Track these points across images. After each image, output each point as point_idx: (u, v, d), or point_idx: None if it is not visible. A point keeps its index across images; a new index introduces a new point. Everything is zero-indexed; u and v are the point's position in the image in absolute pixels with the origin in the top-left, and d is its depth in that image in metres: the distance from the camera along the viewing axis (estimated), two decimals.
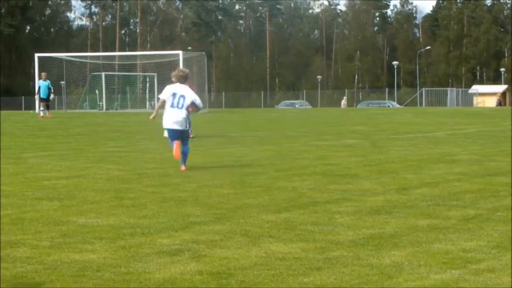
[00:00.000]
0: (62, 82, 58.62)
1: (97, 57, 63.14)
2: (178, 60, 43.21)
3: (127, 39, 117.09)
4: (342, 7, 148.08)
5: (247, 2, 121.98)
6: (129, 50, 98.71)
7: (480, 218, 8.06)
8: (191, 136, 14.21)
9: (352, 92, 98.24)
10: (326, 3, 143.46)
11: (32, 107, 48.43)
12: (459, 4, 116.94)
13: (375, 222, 7.80)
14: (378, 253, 6.36)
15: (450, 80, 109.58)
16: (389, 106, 69.37)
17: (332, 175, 11.98)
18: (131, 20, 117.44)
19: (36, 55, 48.46)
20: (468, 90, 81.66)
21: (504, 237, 7.02)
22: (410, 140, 20.81)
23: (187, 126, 13.02)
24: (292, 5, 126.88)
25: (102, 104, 53.58)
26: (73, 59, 55.87)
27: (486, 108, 57.75)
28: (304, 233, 7.23)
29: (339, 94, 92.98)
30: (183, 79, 13.13)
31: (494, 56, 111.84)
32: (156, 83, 51.49)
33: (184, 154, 12.82)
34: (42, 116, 34.58)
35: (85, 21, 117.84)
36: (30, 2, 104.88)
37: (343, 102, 77.21)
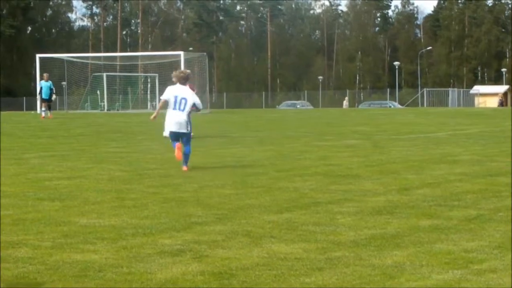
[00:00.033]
0: (64, 83, 58.64)
1: (99, 58, 63.16)
2: (180, 60, 43.22)
3: (128, 40, 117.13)
4: (343, 7, 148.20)
5: (248, 2, 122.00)
6: (131, 51, 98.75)
7: (482, 218, 8.05)
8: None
9: (353, 93, 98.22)
10: (327, 3, 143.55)
11: (34, 107, 48.45)
12: (460, 5, 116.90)
13: (377, 223, 7.80)
14: (380, 253, 6.35)
15: (451, 81, 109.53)
16: (390, 107, 69.36)
17: (333, 176, 11.98)
18: (132, 21, 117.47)
19: (38, 55, 48.48)
20: (469, 91, 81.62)
21: (506, 237, 7.01)
22: (412, 140, 20.80)
23: (189, 128, 13.04)
24: (293, 5, 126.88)
25: (104, 105, 53.61)
26: (74, 59, 55.91)
27: (487, 109, 57.72)
28: (305, 233, 7.23)
29: (340, 95, 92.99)
30: (183, 80, 13.15)
31: (496, 57, 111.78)
32: (158, 84, 51.50)
33: (186, 155, 12.86)
34: (43, 117, 34.60)
35: (86, 22, 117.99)
36: (32, 2, 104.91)
37: (345, 102, 77.18)
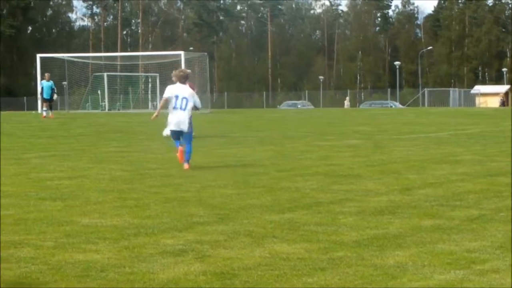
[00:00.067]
0: (64, 83, 58.64)
1: (99, 58, 63.15)
2: (180, 60, 43.21)
3: (128, 40, 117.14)
4: (343, 7, 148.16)
5: (249, 2, 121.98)
6: (131, 51, 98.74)
7: (484, 218, 8.05)
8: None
9: (354, 93, 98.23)
10: (327, 3, 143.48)
11: (34, 107, 48.44)
12: (460, 5, 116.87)
13: (379, 223, 7.80)
14: (382, 253, 6.35)
15: (452, 81, 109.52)
16: (391, 107, 69.36)
17: (335, 176, 11.98)
18: (133, 21, 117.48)
19: (38, 55, 48.48)
20: (470, 91, 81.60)
21: (508, 237, 7.01)
22: (413, 140, 20.80)
23: (190, 127, 13.09)
24: (293, 5, 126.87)
25: (105, 105, 53.60)
26: (75, 59, 55.89)
27: (488, 109, 57.71)
28: (307, 233, 7.23)
29: (341, 95, 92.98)
30: (183, 79, 13.27)
31: (496, 57, 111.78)
32: (158, 84, 51.50)
33: (188, 153, 12.94)
34: (45, 116, 34.63)
35: (86, 22, 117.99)
36: (32, 2, 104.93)
37: (346, 102, 77.13)
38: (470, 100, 76.59)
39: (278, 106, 79.72)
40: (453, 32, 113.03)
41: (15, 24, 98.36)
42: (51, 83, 35.20)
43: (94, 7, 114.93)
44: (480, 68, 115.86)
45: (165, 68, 48.39)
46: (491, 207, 8.81)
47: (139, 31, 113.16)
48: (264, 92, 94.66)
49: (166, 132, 14.59)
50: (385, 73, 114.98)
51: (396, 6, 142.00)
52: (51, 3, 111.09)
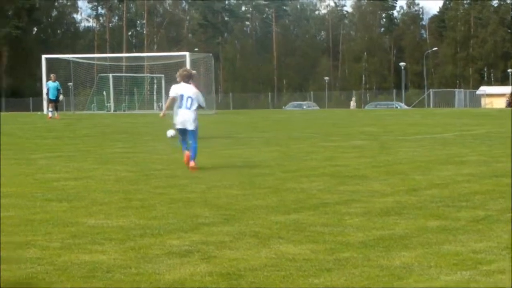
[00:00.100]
0: (70, 84, 58.76)
1: (105, 59, 63.26)
2: (185, 61, 43.24)
3: (133, 41, 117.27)
4: (348, 8, 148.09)
5: (254, 3, 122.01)
6: (136, 52, 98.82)
7: (490, 219, 8.04)
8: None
9: (359, 93, 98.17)
10: (332, 4, 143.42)
11: (40, 108, 48.53)
12: (465, 5, 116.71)
13: (385, 223, 7.79)
14: (388, 254, 6.35)
15: (457, 81, 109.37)
16: (396, 107, 69.31)
17: (340, 176, 11.97)
18: (138, 22, 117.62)
19: (43, 56, 48.57)
20: (475, 91, 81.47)
21: None
22: (418, 141, 20.78)
23: (196, 125, 13.24)
24: (298, 6, 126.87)
25: (110, 106, 53.67)
26: (80, 60, 55.99)
27: (494, 109, 57.61)
28: (313, 234, 7.23)
29: (346, 96, 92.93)
30: (187, 79, 13.44)
31: (502, 57, 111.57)
32: (164, 84, 51.55)
33: (193, 150, 13.08)
34: (50, 117, 34.70)
35: (91, 23, 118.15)
36: (37, 3, 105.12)
37: (352, 103, 77.01)
38: (475, 101, 76.49)
39: (283, 107, 79.74)
40: (458, 33, 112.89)
41: (20, 25, 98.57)
42: (56, 84, 35.28)
43: (99, 8, 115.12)
44: (485, 69, 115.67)
45: (171, 69, 48.42)
46: (497, 208, 8.79)
47: (144, 32, 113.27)
48: (269, 93, 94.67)
49: (170, 133, 14.64)
50: (390, 74, 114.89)
51: (401, 7, 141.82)
52: (56, 4, 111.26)
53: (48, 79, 38.03)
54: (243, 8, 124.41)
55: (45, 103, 40.90)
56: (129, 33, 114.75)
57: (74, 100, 58.22)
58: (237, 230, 7.40)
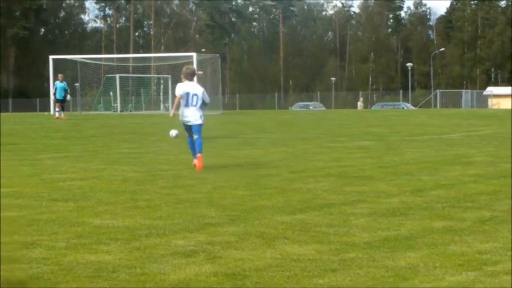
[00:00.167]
0: (77, 84, 58.88)
1: (112, 59, 63.35)
2: (192, 62, 43.28)
3: (141, 41, 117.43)
4: (355, 9, 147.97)
5: (261, 4, 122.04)
6: (143, 52, 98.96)
7: (496, 220, 8.02)
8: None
9: (366, 94, 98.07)
10: (339, 5, 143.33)
11: (47, 108, 48.63)
12: (473, 6, 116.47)
13: (390, 224, 7.78)
14: (393, 255, 6.34)
15: (464, 82, 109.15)
16: (403, 108, 69.21)
17: (347, 177, 11.97)
18: (145, 22, 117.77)
19: (51, 57, 48.67)
20: (483, 92, 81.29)
21: None
22: (425, 142, 20.75)
23: (202, 119, 13.51)
24: (305, 7, 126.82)
25: (117, 106, 53.75)
26: (87, 61, 56.09)
27: (501, 110, 57.46)
28: (319, 234, 7.23)
29: (353, 96, 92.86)
30: (190, 76, 13.73)
31: (509, 58, 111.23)
32: (171, 85, 51.60)
33: (199, 145, 13.25)
34: (57, 117, 34.78)
35: (99, 23, 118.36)
36: (44, 4, 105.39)
37: (359, 103, 76.93)
38: (482, 101, 76.31)
39: (290, 108, 79.74)
40: (466, 33, 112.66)
41: (28, 26, 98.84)
42: (64, 84, 35.39)
43: (106, 8, 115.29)
44: (492, 70, 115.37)
45: (177, 70, 48.47)
46: (503, 208, 8.77)
47: (152, 32, 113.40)
48: (276, 94, 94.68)
49: (173, 133, 14.74)
50: (397, 74, 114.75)
51: (408, 8, 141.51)
52: (63, 4, 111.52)
53: (55, 79, 38.14)
54: (250, 9, 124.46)
55: (52, 103, 41.03)
56: (136, 34, 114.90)
57: (81, 101, 58.34)
58: (243, 231, 7.40)
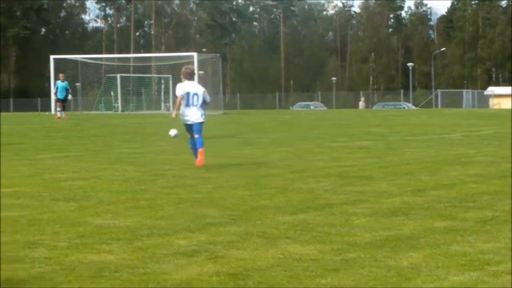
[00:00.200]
0: (78, 84, 58.89)
1: (112, 59, 63.36)
2: (193, 61, 43.27)
3: (141, 41, 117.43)
4: (356, 8, 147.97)
5: (261, 4, 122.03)
6: (144, 52, 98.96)
7: (497, 220, 8.02)
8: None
9: (366, 94, 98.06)
10: (340, 5, 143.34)
11: (48, 108, 48.64)
12: (473, 6, 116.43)
13: (392, 224, 7.78)
14: (395, 254, 6.34)
15: (465, 82, 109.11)
16: (404, 108, 69.21)
17: (347, 177, 11.97)
18: (146, 22, 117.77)
19: (51, 57, 48.66)
20: (484, 92, 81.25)
21: None
22: (425, 141, 20.75)
23: (203, 118, 13.61)
24: (306, 7, 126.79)
25: (118, 106, 53.76)
26: (88, 60, 56.09)
27: (502, 110, 57.43)
28: (320, 234, 7.23)
29: (353, 96, 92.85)
30: (189, 76, 13.82)
31: (510, 58, 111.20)
32: (171, 85, 51.61)
33: (201, 142, 13.37)
34: (58, 117, 34.80)
35: (100, 23, 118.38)
36: (45, 4, 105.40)
37: (361, 103, 76.80)
38: (483, 101, 76.29)
39: (290, 107, 79.73)
40: (466, 33, 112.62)
41: (29, 26, 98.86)
42: (65, 83, 35.40)
43: (107, 8, 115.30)
44: (493, 70, 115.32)
45: (178, 70, 48.40)
46: (505, 208, 8.77)
47: (152, 32, 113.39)
48: (277, 93, 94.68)
49: (173, 132, 14.75)
50: (398, 74, 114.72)
51: (409, 7, 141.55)
52: (64, 4, 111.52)
53: (56, 79, 38.15)
54: (251, 9, 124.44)
55: (53, 103, 41.05)
56: (137, 34, 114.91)
57: (82, 100, 58.36)
58: (244, 230, 7.40)
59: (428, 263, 6.04)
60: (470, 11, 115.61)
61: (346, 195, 9.89)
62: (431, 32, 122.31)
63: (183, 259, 6.18)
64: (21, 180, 11.43)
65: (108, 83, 56.09)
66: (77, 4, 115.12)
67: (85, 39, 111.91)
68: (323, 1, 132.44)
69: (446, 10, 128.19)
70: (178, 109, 13.76)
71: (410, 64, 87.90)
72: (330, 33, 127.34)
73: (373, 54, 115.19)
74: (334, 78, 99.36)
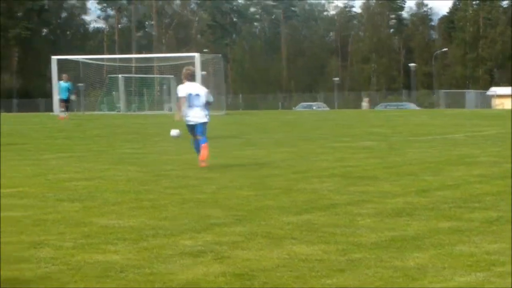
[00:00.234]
0: (80, 84, 58.90)
1: (114, 59, 63.37)
2: (194, 62, 43.26)
3: (142, 42, 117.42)
4: (357, 9, 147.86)
5: (262, 4, 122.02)
6: (145, 53, 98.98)
7: (502, 220, 8.01)
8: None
9: (368, 94, 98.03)
10: (341, 5, 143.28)
11: (50, 109, 48.66)
12: (474, 6, 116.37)
13: (397, 224, 7.78)
14: (401, 255, 6.33)
15: (467, 82, 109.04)
16: (406, 108, 69.19)
17: (351, 177, 11.96)
18: (146, 23, 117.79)
19: (53, 57, 48.65)
20: (486, 92, 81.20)
21: None
22: (428, 142, 20.74)
23: (207, 118, 13.64)
24: (306, 7, 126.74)
25: (120, 106, 53.78)
26: (89, 61, 56.10)
27: (505, 110, 57.40)
28: (325, 235, 7.22)
29: (355, 96, 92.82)
30: (190, 77, 13.87)
31: (510, 58, 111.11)
32: (173, 85, 51.60)
33: (204, 140, 13.45)
34: (61, 117, 34.81)
35: (101, 24, 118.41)
36: (46, 5, 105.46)
37: (364, 104, 76.66)
38: (486, 102, 76.23)
39: (293, 108, 79.74)
40: (468, 33, 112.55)
41: (30, 26, 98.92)
42: (68, 84, 35.40)
43: (108, 9, 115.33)
44: (495, 70, 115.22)
45: (180, 70, 48.38)
46: (509, 208, 8.76)
47: (153, 33, 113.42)
48: (279, 94, 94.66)
49: (174, 132, 14.79)
50: (400, 74, 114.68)
51: (410, 8, 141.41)
52: (64, 5, 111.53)
53: (59, 79, 38.16)
54: (252, 9, 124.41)
55: (54, 103, 41.09)
56: (138, 34, 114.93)
57: (84, 101, 58.39)
58: (249, 231, 7.40)
59: (434, 263, 6.04)
60: (471, 12, 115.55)
61: (350, 196, 9.89)
62: (432, 32, 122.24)
63: (189, 259, 6.18)
64: (25, 181, 11.44)
65: (110, 84, 56.12)
66: (78, 5, 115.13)
67: (87, 40, 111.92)
68: (323, 1, 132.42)
69: (447, 10, 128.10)
70: (181, 111, 13.75)
71: (412, 65, 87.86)
72: (331, 34, 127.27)
73: (374, 54, 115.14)
74: (336, 79, 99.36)
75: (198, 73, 38.29)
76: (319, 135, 24.17)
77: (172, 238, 7.06)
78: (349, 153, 16.95)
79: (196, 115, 13.49)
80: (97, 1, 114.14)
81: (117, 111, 52.18)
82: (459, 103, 73.90)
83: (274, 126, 30.86)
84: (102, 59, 61.34)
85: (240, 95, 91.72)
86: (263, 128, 29.15)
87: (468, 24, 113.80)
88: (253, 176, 12.06)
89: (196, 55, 45.33)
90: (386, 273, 5.72)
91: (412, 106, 73.90)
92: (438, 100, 77.09)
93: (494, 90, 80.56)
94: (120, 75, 55.39)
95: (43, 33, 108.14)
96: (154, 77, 64.81)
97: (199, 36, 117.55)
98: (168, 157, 15.78)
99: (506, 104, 72.86)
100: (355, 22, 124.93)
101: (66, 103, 35.51)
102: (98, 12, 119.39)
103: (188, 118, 13.57)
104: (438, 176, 12.17)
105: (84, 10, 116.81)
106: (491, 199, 9.54)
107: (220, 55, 53.70)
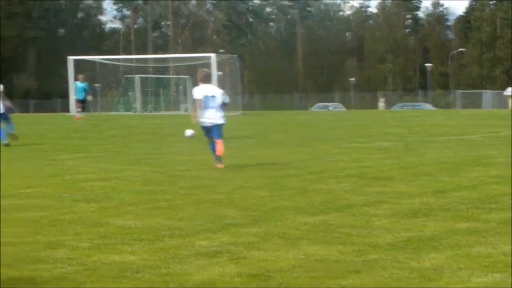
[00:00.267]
0: (97, 85, 59.10)
1: (130, 60, 63.52)
2: (210, 62, 43.26)
3: (158, 42, 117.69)
4: (373, 9, 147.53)
5: (278, 4, 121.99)
6: (161, 53, 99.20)
7: None
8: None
9: (384, 94, 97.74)
10: (356, 5, 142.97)
11: (66, 109, 48.86)
12: (491, 6, 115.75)
13: (413, 225, 7.75)
14: (417, 256, 6.31)
15: (484, 83, 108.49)
16: (422, 109, 68.91)
17: (367, 178, 11.93)
18: (162, 23, 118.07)
19: (70, 58, 48.82)
20: (503, 92, 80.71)
21: None
22: (444, 142, 20.65)
23: (223, 119, 13.67)
24: (322, 7, 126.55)
25: (137, 107, 53.93)
26: (106, 61, 56.26)
27: None
28: (341, 235, 7.21)
29: (371, 96, 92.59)
30: (206, 79, 13.86)
31: None
32: (189, 86, 51.64)
33: (221, 140, 13.43)
34: (78, 118, 34.95)
35: (117, 24, 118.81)
36: (63, 5, 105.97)
37: (381, 104, 76.41)
38: (503, 102, 75.78)
39: (310, 108, 79.64)
40: (484, 33, 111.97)
41: (47, 27, 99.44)
42: (84, 84, 35.55)
43: (124, 9, 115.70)
44: None
45: (196, 70, 48.40)
46: None
47: (169, 33, 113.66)
48: (295, 94, 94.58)
49: (188, 133, 14.80)
50: (416, 74, 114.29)
51: (426, 8, 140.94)
52: (80, 5, 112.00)
53: (76, 79, 38.32)
54: (267, 9, 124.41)
55: (71, 104, 41.27)
56: (154, 35, 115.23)
57: (101, 101, 58.60)
58: (265, 231, 7.40)
59: (451, 264, 6.01)
60: (488, 11, 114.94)
61: (366, 196, 9.86)
62: (448, 32, 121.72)
63: (205, 260, 6.19)
64: (42, 181, 11.50)
65: (127, 84, 56.28)
66: (94, 5, 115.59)
67: (103, 40, 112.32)
68: (339, 1, 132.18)
69: (463, 10, 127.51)
70: (197, 113, 13.74)
71: (428, 65, 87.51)
72: (347, 34, 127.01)
73: (390, 54, 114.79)
74: (352, 79, 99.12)
75: (214, 73, 38.34)
76: (336, 135, 24.13)
77: (188, 238, 7.07)
78: (366, 153, 16.91)
79: (212, 117, 13.51)
80: (113, 1, 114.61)
81: (134, 112, 52.32)
82: (475, 103, 73.53)
83: (290, 126, 30.83)
84: (118, 60, 61.49)
85: (255, 95, 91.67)
86: (279, 128, 29.13)
87: (484, 24, 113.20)
88: (269, 177, 12.05)
89: (212, 55, 45.32)
90: (402, 274, 5.70)
91: (428, 106, 73.59)
92: (455, 100, 76.72)
93: (510, 90, 79.98)
94: (136, 76, 55.52)
95: (60, 34, 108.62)
96: (170, 78, 64.92)
97: (215, 36, 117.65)
98: (182, 157, 15.82)
99: None
100: (371, 22, 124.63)
101: (83, 104, 35.65)
102: (114, 12, 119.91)
103: (203, 120, 13.58)
104: (454, 177, 12.11)
105: (100, 10, 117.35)
106: (508, 200, 9.48)
107: (236, 55, 53.69)
